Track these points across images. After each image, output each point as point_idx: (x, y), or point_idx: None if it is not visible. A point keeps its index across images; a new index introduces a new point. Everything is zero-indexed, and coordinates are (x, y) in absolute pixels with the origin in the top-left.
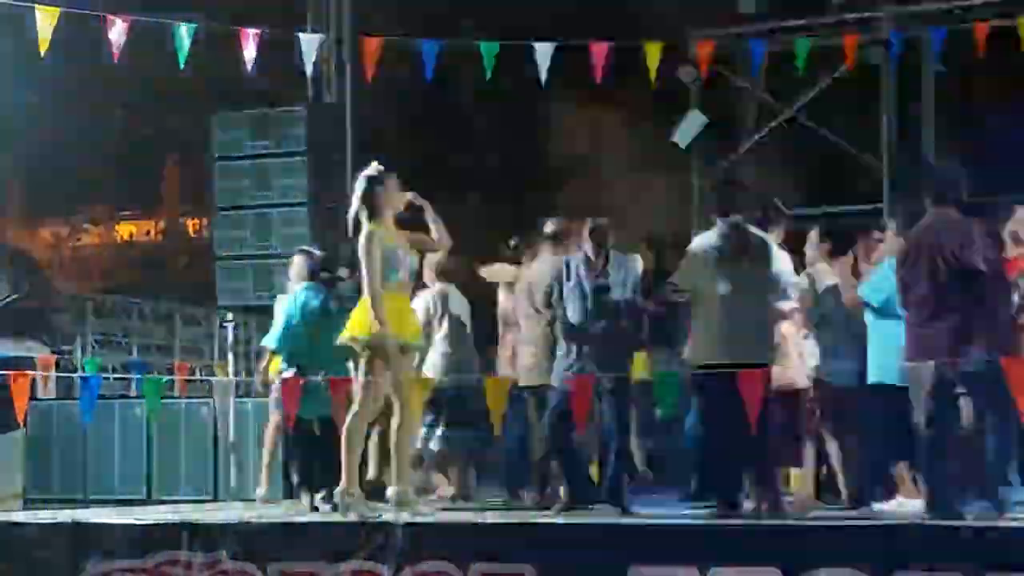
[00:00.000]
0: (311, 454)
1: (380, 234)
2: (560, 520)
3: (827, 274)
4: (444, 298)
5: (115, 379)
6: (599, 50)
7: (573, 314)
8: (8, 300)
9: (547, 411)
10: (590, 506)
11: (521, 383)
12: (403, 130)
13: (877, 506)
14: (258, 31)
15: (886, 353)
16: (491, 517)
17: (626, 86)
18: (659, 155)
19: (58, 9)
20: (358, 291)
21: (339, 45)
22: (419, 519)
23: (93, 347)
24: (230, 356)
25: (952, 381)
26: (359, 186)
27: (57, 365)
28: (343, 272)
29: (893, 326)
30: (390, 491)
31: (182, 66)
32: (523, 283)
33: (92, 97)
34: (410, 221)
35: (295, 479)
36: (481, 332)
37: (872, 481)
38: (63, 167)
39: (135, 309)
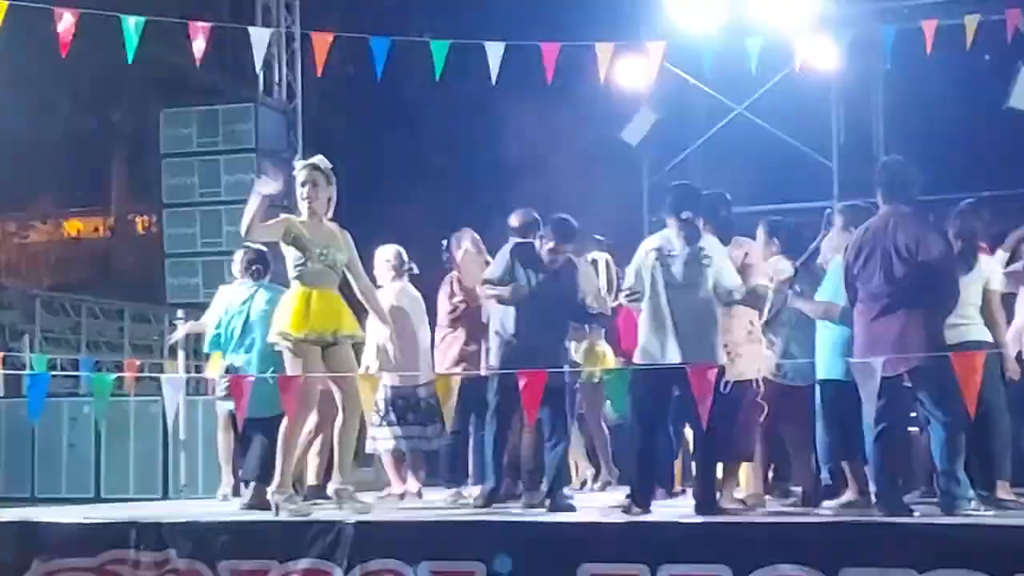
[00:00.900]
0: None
1: (295, 224)
2: (510, 518)
3: (781, 272)
4: (397, 294)
5: (64, 376)
6: (550, 50)
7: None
8: None
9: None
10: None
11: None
12: (353, 127)
13: (826, 503)
14: (207, 26)
15: (834, 350)
16: (441, 515)
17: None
18: (610, 152)
19: (5, 3)
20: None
21: (289, 42)
22: (369, 517)
23: (41, 344)
24: (180, 353)
25: (901, 377)
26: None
27: (4, 362)
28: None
29: (841, 324)
30: (330, 486)
31: (130, 60)
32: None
33: (40, 92)
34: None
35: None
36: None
37: (821, 479)
38: (9, 163)
39: (84, 306)
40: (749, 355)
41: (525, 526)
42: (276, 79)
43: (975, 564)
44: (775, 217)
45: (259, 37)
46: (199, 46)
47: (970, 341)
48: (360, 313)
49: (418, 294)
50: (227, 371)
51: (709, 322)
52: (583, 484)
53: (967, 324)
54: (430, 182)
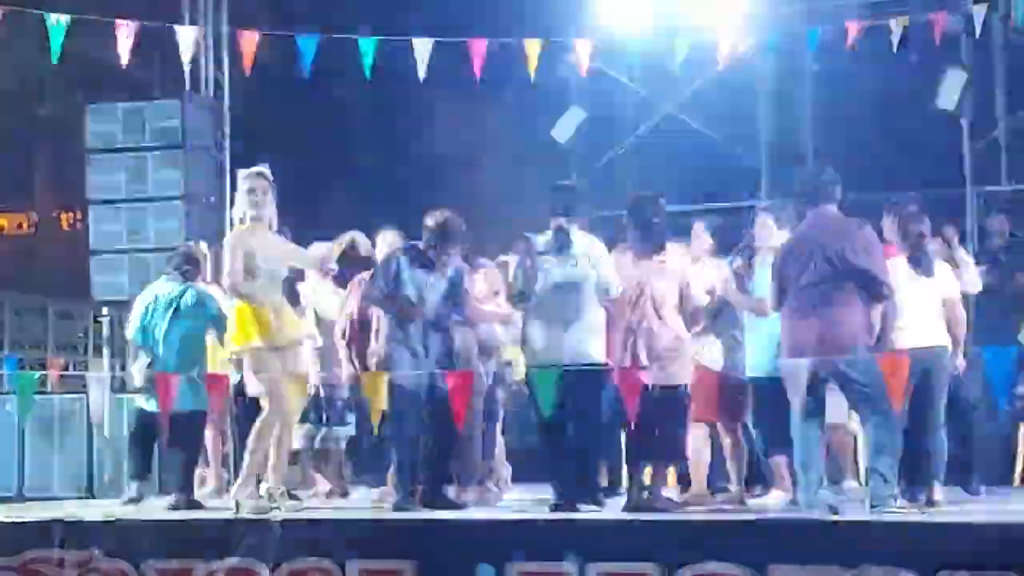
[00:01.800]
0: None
1: (243, 236)
2: (440, 516)
3: (716, 270)
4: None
5: None
6: (478, 46)
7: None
8: None
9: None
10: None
11: None
12: (281, 125)
13: (755, 501)
14: (133, 23)
15: (764, 348)
16: (369, 514)
17: (506, 82)
18: (538, 150)
19: None
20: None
21: (216, 38)
22: (297, 516)
23: None
24: (105, 351)
25: (827, 377)
26: (239, 186)
27: None
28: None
29: (772, 322)
30: (263, 487)
31: (56, 58)
32: None
33: None
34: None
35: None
36: None
37: (751, 475)
38: None
39: (7, 303)
40: (680, 360)
41: (453, 524)
42: (203, 76)
43: (901, 561)
44: (712, 217)
45: (186, 34)
46: (125, 43)
47: (929, 345)
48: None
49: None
50: (148, 367)
51: (585, 323)
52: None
53: (923, 327)
54: (359, 180)
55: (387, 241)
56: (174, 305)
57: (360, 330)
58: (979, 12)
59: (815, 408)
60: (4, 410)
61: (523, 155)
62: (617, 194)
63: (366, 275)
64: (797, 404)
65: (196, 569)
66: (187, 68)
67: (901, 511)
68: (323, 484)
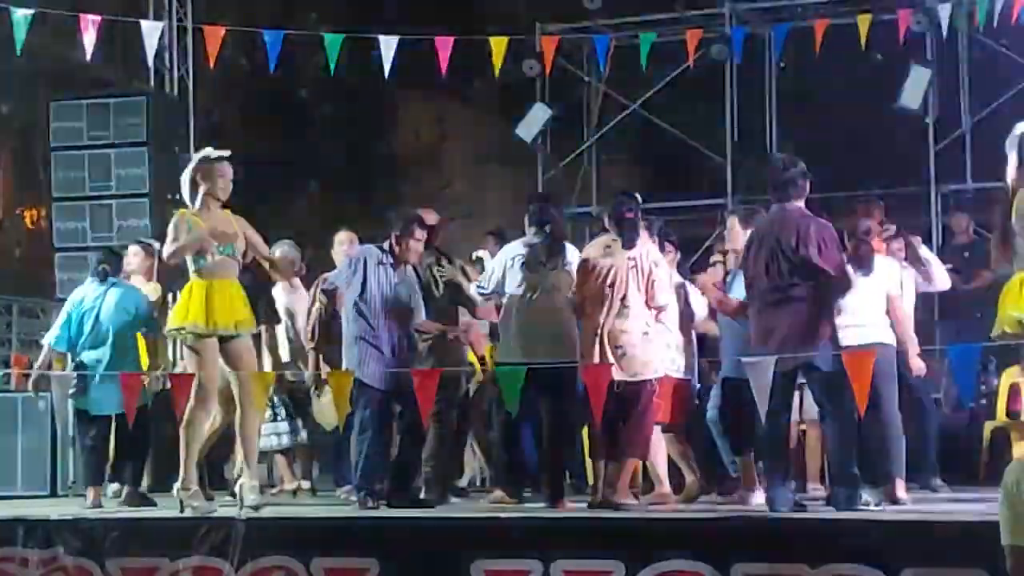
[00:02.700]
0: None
1: (188, 218)
2: (404, 514)
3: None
4: (287, 291)
5: None
6: (444, 43)
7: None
8: None
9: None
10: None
11: None
12: (246, 121)
13: (720, 498)
14: (98, 18)
15: (739, 348)
16: (334, 512)
17: (471, 79)
18: (504, 148)
19: None
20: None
21: (181, 34)
22: (261, 514)
23: None
24: None
25: (791, 375)
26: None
27: None
28: None
29: (745, 323)
30: (238, 485)
31: (19, 52)
32: None
33: None
34: None
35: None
36: None
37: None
38: None
39: None
40: (644, 356)
41: (417, 522)
42: (168, 72)
43: (866, 559)
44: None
45: (151, 30)
46: (89, 38)
47: (872, 343)
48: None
49: (307, 293)
50: (76, 368)
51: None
52: (471, 482)
53: (865, 326)
54: (324, 177)
55: (343, 241)
56: (96, 306)
57: (325, 330)
58: (944, 11)
59: (781, 406)
60: None
61: (488, 152)
62: (582, 191)
63: (330, 275)
64: (762, 402)
65: (160, 567)
66: (152, 64)
67: (866, 509)
68: (290, 482)
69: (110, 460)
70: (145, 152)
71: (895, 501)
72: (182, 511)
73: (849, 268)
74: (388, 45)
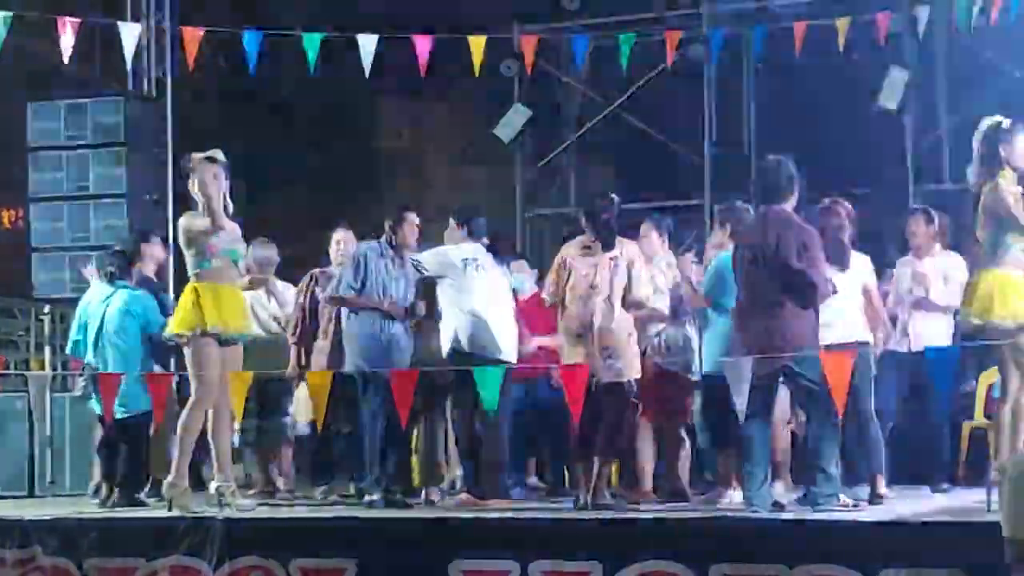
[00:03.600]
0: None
1: (190, 222)
2: (382, 514)
3: (671, 268)
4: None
5: None
6: (423, 43)
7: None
8: None
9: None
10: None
11: None
12: (225, 122)
13: (699, 498)
14: (76, 19)
15: (716, 346)
16: (311, 512)
17: (450, 79)
18: (483, 148)
19: None
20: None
21: (159, 35)
22: (239, 514)
23: None
24: (47, 349)
25: (769, 375)
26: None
27: None
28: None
29: (726, 320)
30: (212, 485)
31: None
32: None
33: None
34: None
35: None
36: None
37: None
38: None
39: None
40: (627, 357)
41: (395, 522)
42: (146, 72)
43: (845, 560)
44: (660, 216)
45: (129, 30)
46: (67, 40)
47: (850, 342)
48: None
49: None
50: (83, 371)
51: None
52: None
53: (843, 323)
54: (302, 177)
55: (341, 239)
56: (104, 309)
57: (310, 327)
58: (922, 12)
59: (761, 406)
60: None
61: (467, 153)
62: (560, 192)
63: (317, 272)
64: (740, 403)
65: (138, 567)
66: (129, 65)
67: (844, 509)
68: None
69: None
70: (123, 152)
71: (878, 499)
72: (170, 510)
73: (827, 267)
74: (367, 44)
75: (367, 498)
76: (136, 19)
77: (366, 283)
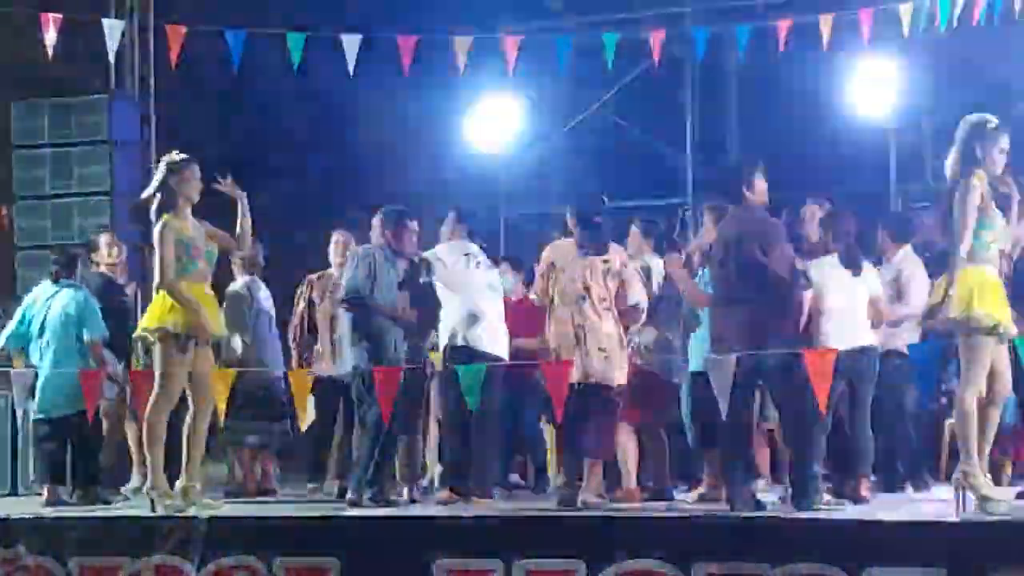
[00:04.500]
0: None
1: (175, 224)
2: (366, 513)
3: (658, 267)
4: (250, 290)
5: None
6: (407, 42)
7: None
8: None
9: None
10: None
11: None
12: (209, 119)
13: (680, 496)
14: (59, 16)
15: (700, 344)
16: (296, 511)
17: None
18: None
19: None
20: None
21: (143, 33)
22: (223, 513)
23: None
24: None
25: (750, 373)
26: (158, 174)
27: None
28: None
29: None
30: (177, 484)
31: None
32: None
33: None
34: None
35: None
36: None
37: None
38: None
39: None
40: (615, 359)
41: (379, 521)
42: (130, 70)
43: (828, 558)
44: (648, 218)
45: (112, 28)
46: (50, 37)
47: (856, 347)
48: None
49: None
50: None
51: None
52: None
53: (851, 328)
54: (286, 176)
55: (339, 241)
56: (46, 307)
57: (307, 331)
58: (904, 12)
59: (742, 404)
60: None
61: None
62: (544, 191)
63: (313, 277)
64: (722, 401)
65: (122, 567)
66: (112, 63)
67: (827, 508)
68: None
69: (66, 460)
70: (106, 150)
71: (860, 500)
72: (153, 510)
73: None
74: (351, 44)
75: (349, 495)
76: (119, 16)
77: (374, 287)
